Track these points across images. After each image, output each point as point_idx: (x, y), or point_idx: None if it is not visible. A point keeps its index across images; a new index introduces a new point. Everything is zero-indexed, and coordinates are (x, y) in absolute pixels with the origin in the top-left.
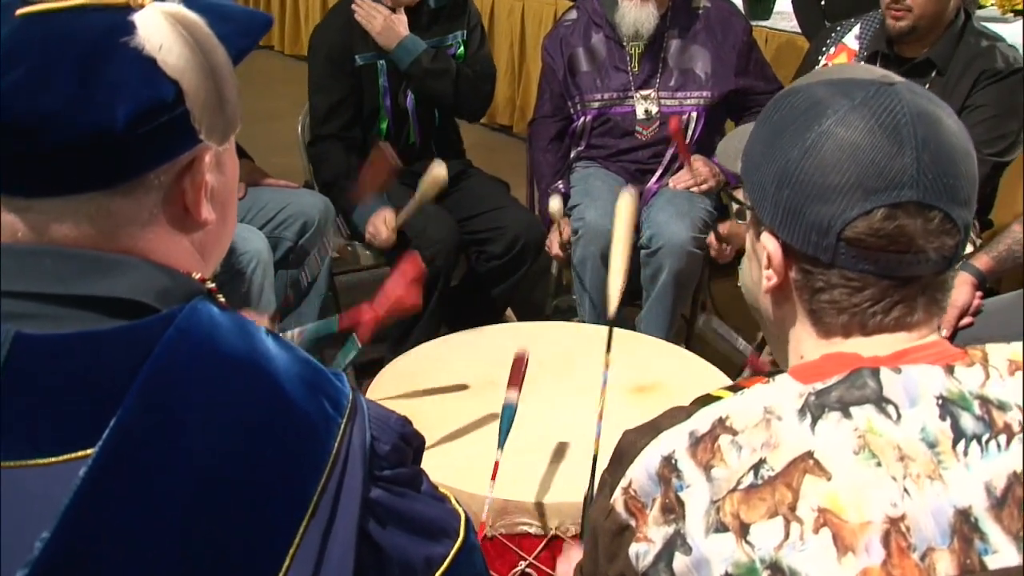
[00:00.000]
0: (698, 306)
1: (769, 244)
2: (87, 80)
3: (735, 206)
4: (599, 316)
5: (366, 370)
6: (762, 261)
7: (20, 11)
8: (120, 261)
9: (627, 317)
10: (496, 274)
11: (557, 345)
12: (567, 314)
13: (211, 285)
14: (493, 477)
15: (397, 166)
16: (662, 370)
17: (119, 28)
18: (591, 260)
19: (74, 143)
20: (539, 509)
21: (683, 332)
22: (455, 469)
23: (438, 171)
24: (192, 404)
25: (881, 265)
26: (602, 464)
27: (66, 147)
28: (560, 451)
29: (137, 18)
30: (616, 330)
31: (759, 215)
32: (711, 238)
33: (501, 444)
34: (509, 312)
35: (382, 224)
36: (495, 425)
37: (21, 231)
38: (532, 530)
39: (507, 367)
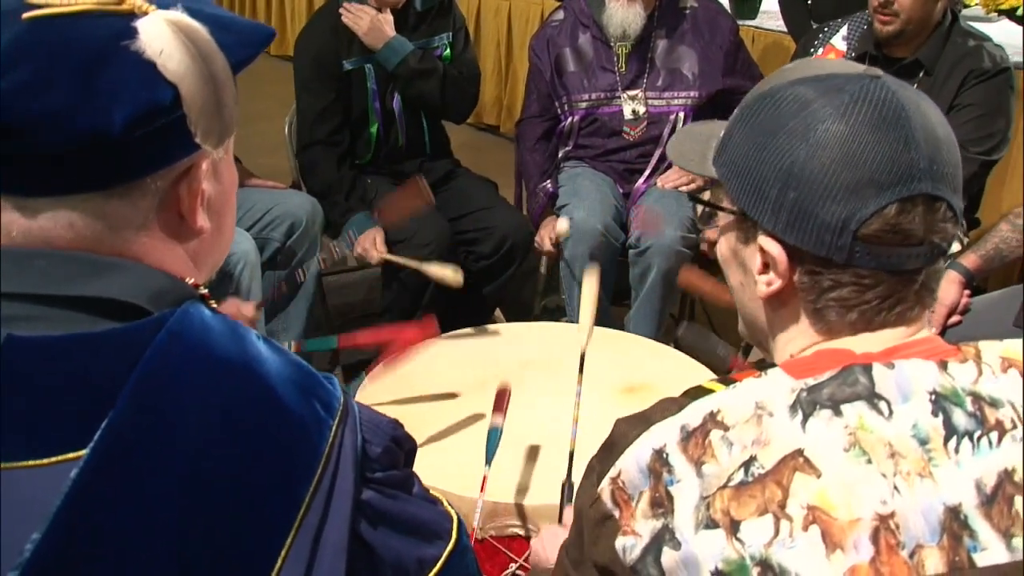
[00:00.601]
0: (686, 305)
1: (772, 248)
2: (87, 83)
3: (700, 209)
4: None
5: (355, 370)
6: (753, 266)
7: (26, 15)
8: (114, 263)
9: (616, 317)
10: (485, 274)
11: (546, 346)
12: (555, 314)
13: (204, 291)
14: (482, 489)
15: (430, 202)
16: (651, 370)
17: (122, 33)
18: (580, 260)
19: (72, 144)
20: (529, 511)
21: (671, 331)
22: (445, 472)
23: (454, 277)
24: (184, 406)
25: (893, 261)
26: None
27: (64, 148)
28: (549, 453)
29: (140, 24)
30: (605, 329)
31: (756, 219)
32: (705, 245)
33: (488, 461)
34: (497, 312)
35: (371, 246)
36: (485, 428)
37: (16, 230)
38: (522, 532)
39: (498, 368)
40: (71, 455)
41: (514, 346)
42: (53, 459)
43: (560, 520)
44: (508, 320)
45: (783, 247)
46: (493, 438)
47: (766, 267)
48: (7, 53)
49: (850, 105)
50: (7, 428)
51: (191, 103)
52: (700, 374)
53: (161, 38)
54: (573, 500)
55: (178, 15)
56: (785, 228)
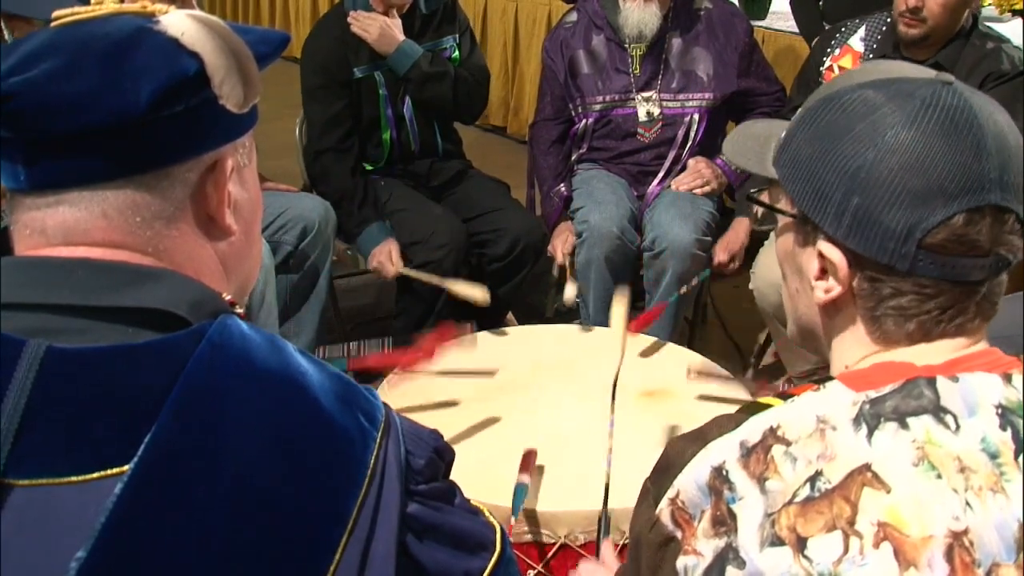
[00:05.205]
0: (700, 308)
1: (832, 254)
2: (114, 66)
3: (758, 209)
4: (602, 319)
5: (367, 375)
6: (810, 271)
7: (55, 23)
8: (152, 273)
9: (630, 320)
10: (498, 276)
11: (562, 349)
12: (566, 316)
13: (240, 311)
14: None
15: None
16: (668, 374)
17: (145, 25)
18: (595, 263)
19: (101, 124)
20: (547, 517)
21: (686, 334)
22: (469, 479)
23: (482, 296)
24: (228, 419)
25: (957, 271)
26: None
27: (93, 129)
28: (568, 458)
29: (162, 18)
30: None
31: (817, 223)
32: (718, 260)
33: (515, 513)
34: (509, 315)
35: (387, 260)
36: (507, 433)
37: (50, 228)
38: (540, 538)
39: (513, 371)
40: (114, 470)
41: (528, 348)
42: (96, 475)
43: (597, 554)
44: (520, 322)
45: (844, 253)
46: (520, 494)
47: (823, 272)
48: (39, 50)
49: (921, 111)
50: (49, 443)
51: (214, 68)
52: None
53: (183, 22)
54: (615, 530)
55: (196, 11)
56: (847, 233)
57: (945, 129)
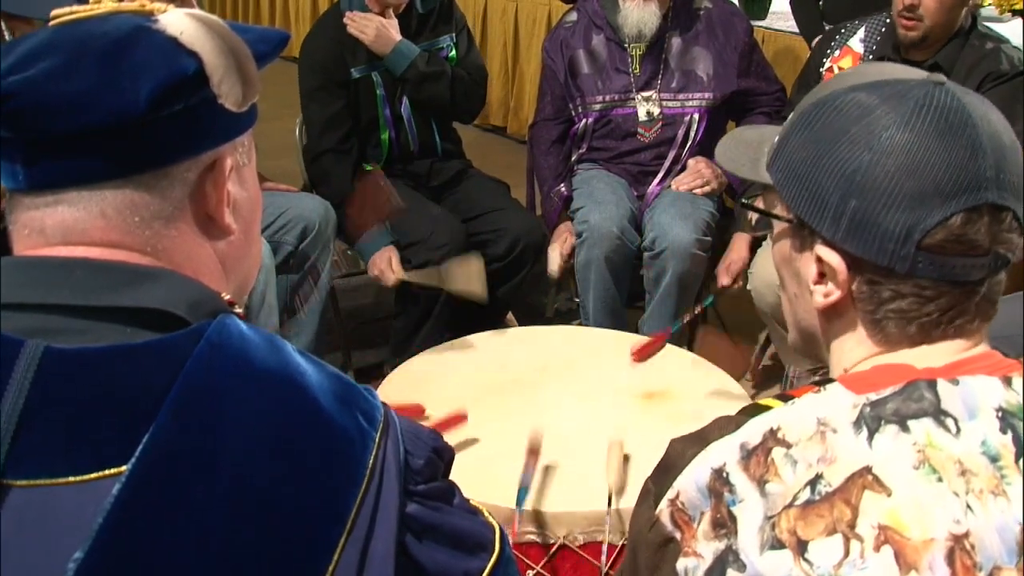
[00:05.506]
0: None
1: (831, 258)
2: (113, 65)
3: (753, 216)
4: (602, 319)
5: (366, 374)
6: (808, 275)
7: (53, 22)
8: (151, 273)
9: (630, 320)
10: (498, 276)
11: (561, 350)
12: (566, 316)
13: (239, 310)
14: (513, 534)
15: (398, 204)
16: (669, 375)
17: (144, 24)
18: (595, 263)
19: (100, 124)
20: (546, 518)
21: (686, 334)
22: (471, 479)
23: (479, 291)
24: (227, 419)
25: (956, 271)
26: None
27: (92, 128)
28: (567, 459)
29: (161, 16)
30: (620, 333)
31: (813, 227)
32: (721, 283)
33: (520, 505)
34: (509, 316)
35: (387, 267)
36: (507, 432)
37: (49, 228)
38: (539, 539)
39: (514, 372)
40: (112, 471)
41: (529, 349)
42: (94, 475)
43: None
44: (520, 323)
45: (842, 256)
46: (522, 493)
47: (822, 276)
48: (37, 49)
49: (915, 112)
50: (47, 443)
51: (213, 68)
52: (719, 379)
53: (182, 21)
54: (615, 530)
55: (195, 10)
56: (845, 237)
57: (940, 129)
